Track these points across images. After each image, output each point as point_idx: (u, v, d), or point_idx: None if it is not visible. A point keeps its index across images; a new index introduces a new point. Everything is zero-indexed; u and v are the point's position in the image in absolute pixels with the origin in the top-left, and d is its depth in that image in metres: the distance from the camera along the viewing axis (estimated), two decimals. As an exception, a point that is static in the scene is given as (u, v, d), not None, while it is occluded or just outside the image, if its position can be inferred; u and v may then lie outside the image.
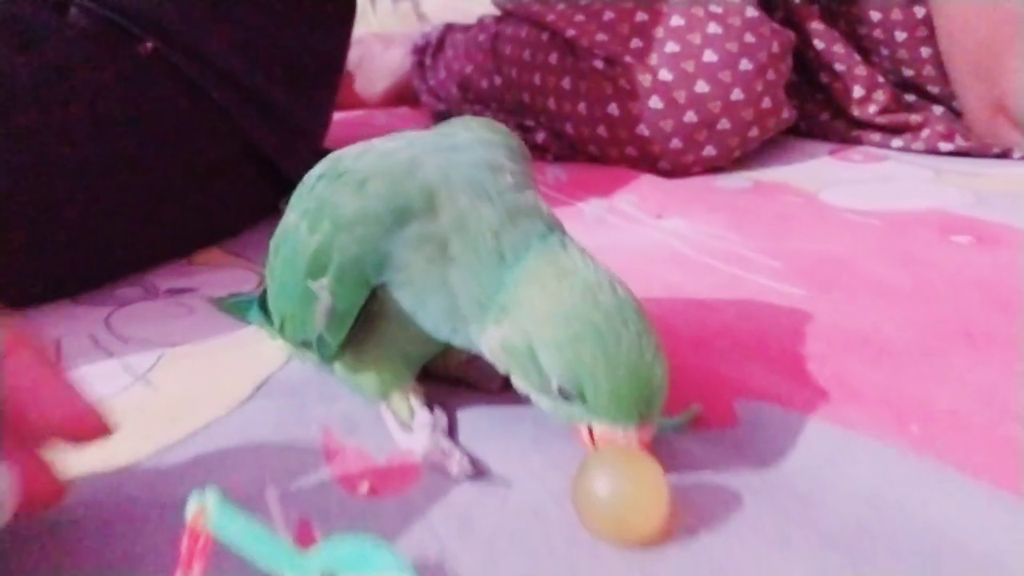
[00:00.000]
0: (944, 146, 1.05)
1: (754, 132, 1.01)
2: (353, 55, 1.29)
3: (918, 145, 1.07)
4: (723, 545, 0.38)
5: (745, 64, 0.97)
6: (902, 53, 1.08)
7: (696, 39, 0.98)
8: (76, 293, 0.71)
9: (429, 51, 1.38)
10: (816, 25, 1.10)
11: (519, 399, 0.44)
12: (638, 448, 0.40)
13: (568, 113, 1.06)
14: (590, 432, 0.42)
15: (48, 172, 0.66)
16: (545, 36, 1.08)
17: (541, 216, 0.44)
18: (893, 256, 0.74)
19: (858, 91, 1.09)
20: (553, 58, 1.06)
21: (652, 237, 0.82)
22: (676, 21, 0.99)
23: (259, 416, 0.51)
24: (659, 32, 0.99)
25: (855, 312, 0.63)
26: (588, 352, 0.39)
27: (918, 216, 0.84)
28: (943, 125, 1.07)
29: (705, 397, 0.50)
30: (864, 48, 1.11)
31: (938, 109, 1.10)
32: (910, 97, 1.12)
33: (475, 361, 0.49)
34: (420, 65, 1.40)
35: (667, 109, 0.98)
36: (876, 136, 1.11)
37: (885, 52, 1.10)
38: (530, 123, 1.12)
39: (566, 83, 1.04)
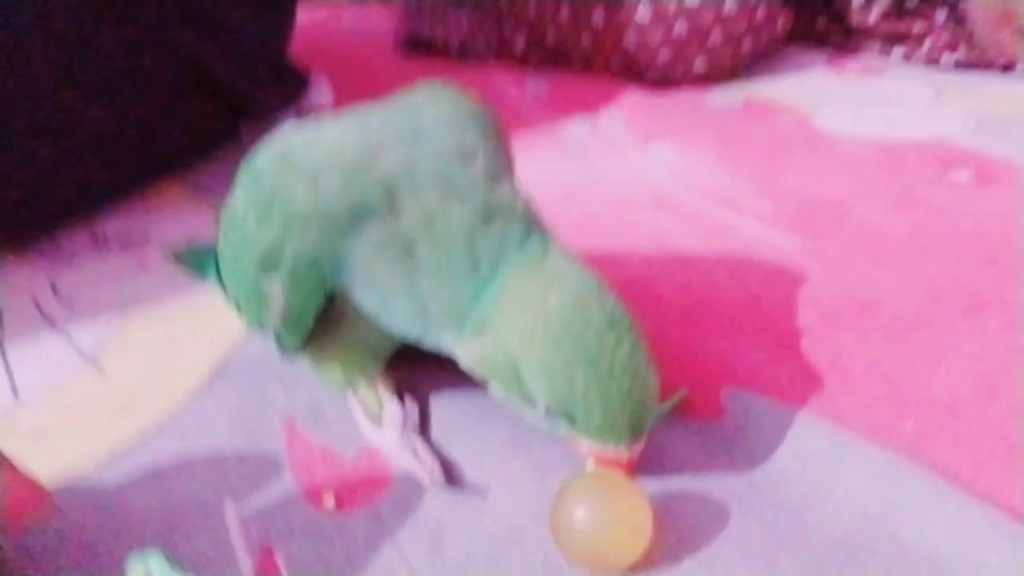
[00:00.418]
0: (947, 57, 0.99)
1: (747, 45, 0.94)
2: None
3: (919, 55, 1.01)
4: (707, 573, 0.37)
5: (740, -30, 0.90)
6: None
7: (688, -57, 0.89)
8: (19, 239, 0.66)
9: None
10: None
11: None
12: (625, 469, 0.38)
13: (549, 19, 0.98)
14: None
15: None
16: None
17: (518, 214, 0.39)
18: (889, 197, 0.70)
19: (858, -3, 1.02)
20: (533, -43, 0.98)
21: (638, 170, 0.77)
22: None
23: (218, 408, 0.47)
24: (648, -67, 0.90)
25: (849, 270, 0.59)
26: (580, 377, 0.36)
27: (915, 147, 0.80)
28: (946, 34, 1.00)
29: (692, 382, 0.48)
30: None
31: (941, 16, 1.03)
32: (912, 2, 1.04)
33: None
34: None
35: (655, 19, 0.91)
36: (876, 44, 1.04)
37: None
38: (509, 30, 1.04)
39: (547, -14, 0.96)
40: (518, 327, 0.37)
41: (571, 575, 0.37)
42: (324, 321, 0.42)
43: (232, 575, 0.37)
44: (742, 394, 0.47)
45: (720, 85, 0.97)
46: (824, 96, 0.94)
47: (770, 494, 0.40)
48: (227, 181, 0.46)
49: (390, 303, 0.39)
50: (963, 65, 0.99)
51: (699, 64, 0.94)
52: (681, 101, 0.94)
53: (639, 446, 0.38)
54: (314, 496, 0.41)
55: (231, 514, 0.40)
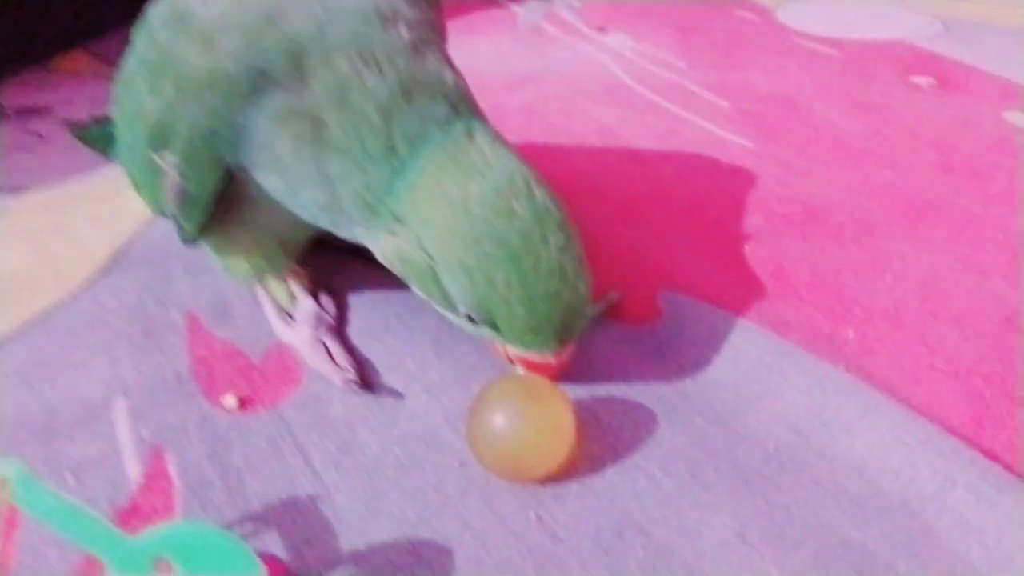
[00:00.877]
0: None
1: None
2: None
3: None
4: (629, 483, 0.35)
5: None
6: None
7: None
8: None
9: None
10: None
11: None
12: (552, 375, 0.35)
13: None
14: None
15: None
16: None
17: (444, 91, 0.35)
18: (849, 98, 0.67)
19: None
20: None
21: (592, 58, 0.73)
22: None
23: (113, 298, 0.43)
24: None
25: (801, 173, 0.57)
26: (501, 279, 0.32)
27: (879, 49, 0.76)
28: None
29: (628, 285, 0.45)
30: None
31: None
32: None
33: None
34: None
35: None
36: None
37: None
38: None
39: None
40: (435, 221, 0.33)
41: (486, 488, 0.34)
42: (226, 205, 0.38)
43: (117, 481, 0.34)
44: (679, 299, 0.45)
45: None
46: (789, -10, 0.89)
47: (700, 403, 0.38)
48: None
49: (296, 187, 0.35)
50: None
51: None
52: (640, -11, 0.88)
53: (567, 352, 0.36)
54: (214, 394, 0.38)
55: (120, 413, 0.37)
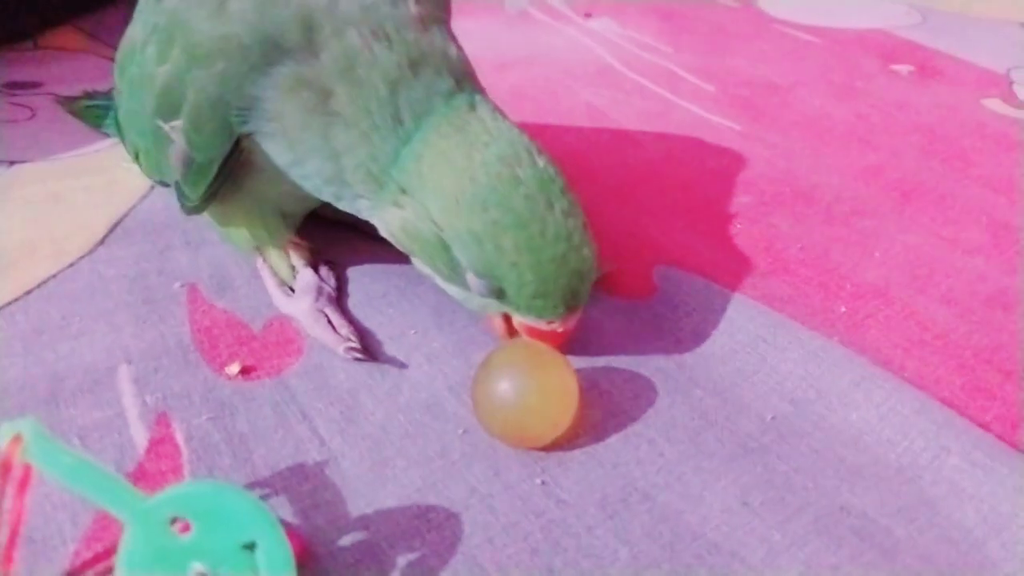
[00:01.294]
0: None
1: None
2: None
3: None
4: (632, 450, 0.35)
5: None
6: None
7: None
8: None
9: None
10: None
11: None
12: (557, 344, 0.36)
13: None
14: (507, 319, 0.37)
15: None
16: None
17: (449, 66, 0.35)
18: (832, 84, 0.68)
19: None
20: None
21: (579, 42, 0.73)
22: None
23: (113, 267, 0.43)
24: None
25: (788, 154, 0.58)
26: (510, 243, 0.33)
27: (860, 37, 0.78)
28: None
29: (624, 260, 0.46)
30: None
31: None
32: None
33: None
34: None
35: None
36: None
37: None
38: None
39: None
40: (441, 190, 0.33)
41: (491, 454, 0.35)
42: (230, 175, 0.38)
43: (124, 446, 0.34)
44: (674, 274, 0.45)
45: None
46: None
47: (699, 374, 0.39)
48: (125, 28, 0.41)
49: (302, 158, 0.36)
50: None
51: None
52: (626, -25, 0.89)
53: (573, 320, 0.36)
54: (218, 362, 0.38)
55: (124, 379, 0.37)
